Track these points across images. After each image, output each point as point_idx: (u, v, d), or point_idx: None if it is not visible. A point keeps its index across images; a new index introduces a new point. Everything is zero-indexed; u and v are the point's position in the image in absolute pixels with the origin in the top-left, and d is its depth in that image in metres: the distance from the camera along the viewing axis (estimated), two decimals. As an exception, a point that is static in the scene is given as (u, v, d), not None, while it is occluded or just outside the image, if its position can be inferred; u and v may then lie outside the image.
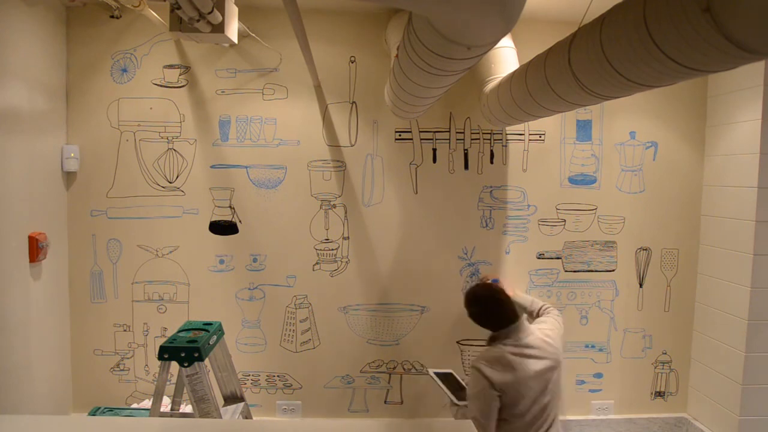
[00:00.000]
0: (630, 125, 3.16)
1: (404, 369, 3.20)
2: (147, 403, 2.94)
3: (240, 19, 2.54)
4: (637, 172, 3.18)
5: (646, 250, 3.21)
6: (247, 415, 2.39)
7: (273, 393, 3.16)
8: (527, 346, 2.24)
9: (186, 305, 3.08)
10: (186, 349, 1.99)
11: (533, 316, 2.70)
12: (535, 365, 2.21)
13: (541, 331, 2.34)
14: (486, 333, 2.28)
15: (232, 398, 2.41)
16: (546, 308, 2.66)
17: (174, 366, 2.05)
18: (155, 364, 3.06)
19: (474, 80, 2.84)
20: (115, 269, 3.04)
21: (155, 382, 2.16)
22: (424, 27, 1.35)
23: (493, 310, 2.31)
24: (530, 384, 2.18)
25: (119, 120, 2.98)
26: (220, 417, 2.08)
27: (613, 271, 3.21)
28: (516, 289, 2.93)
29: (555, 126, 3.13)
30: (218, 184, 3.04)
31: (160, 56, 2.96)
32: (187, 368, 1.99)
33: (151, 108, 2.98)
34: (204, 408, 1.98)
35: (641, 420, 3.25)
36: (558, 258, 3.19)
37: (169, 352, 2.00)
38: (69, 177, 2.97)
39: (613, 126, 3.16)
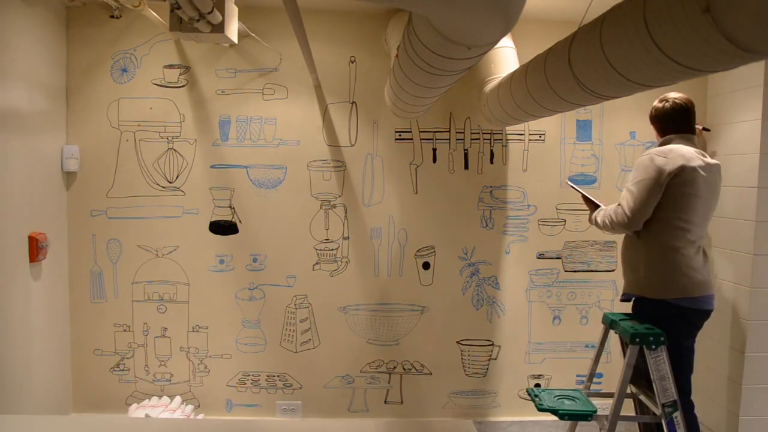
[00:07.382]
0: (630, 125, 3.15)
1: (404, 369, 3.19)
2: (147, 403, 2.94)
3: (240, 19, 2.54)
4: (637, 172, 3.17)
5: (646, 250, 3.21)
6: None
7: (273, 393, 3.16)
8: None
9: (186, 305, 3.08)
10: (653, 335, 2.28)
11: None
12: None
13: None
14: None
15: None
16: None
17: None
18: (155, 364, 3.07)
19: (474, 80, 2.84)
20: (115, 269, 3.04)
21: (591, 364, 2.63)
22: (424, 27, 1.35)
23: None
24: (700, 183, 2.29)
25: (119, 120, 2.98)
26: (675, 396, 2.27)
27: (613, 271, 3.21)
28: None
29: (555, 126, 3.13)
30: (218, 184, 3.04)
31: (160, 56, 2.96)
32: (654, 351, 2.26)
33: (151, 108, 2.98)
34: (664, 385, 2.27)
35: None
36: (558, 258, 3.19)
37: (639, 337, 2.28)
38: (69, 177, 2.97)
39: (613, 126, 3.15)
